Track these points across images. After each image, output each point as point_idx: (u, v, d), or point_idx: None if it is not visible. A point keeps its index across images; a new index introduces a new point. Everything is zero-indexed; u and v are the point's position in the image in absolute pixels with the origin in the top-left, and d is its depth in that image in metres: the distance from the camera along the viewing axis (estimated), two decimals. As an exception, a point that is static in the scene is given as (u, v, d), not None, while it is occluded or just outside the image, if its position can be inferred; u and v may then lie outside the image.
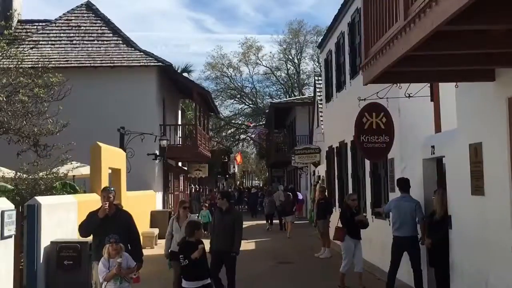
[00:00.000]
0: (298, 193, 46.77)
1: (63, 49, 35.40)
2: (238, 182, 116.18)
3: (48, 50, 34.62)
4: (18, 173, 20.21)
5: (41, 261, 15.39)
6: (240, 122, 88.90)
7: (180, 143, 42.40)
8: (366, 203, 21.72)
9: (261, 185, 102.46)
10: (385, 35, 9.13)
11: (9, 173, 20.65)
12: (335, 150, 28.38)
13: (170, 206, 38.54)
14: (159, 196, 36.00)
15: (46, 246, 15.65)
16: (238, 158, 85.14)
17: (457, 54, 9.33)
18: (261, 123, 78.79)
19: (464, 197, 12.32)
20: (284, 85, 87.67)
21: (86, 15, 38.24)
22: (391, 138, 16.49)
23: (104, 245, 10.86)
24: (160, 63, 34.79)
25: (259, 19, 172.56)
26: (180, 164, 45.40)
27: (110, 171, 22.53)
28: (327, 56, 30.69)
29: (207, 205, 34.76)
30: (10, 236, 13.59)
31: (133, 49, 35.74)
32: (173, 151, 37.34)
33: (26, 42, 34.32)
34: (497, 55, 9.45)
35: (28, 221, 15.23)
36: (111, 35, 36.77)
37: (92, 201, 17.05)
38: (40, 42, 35.53)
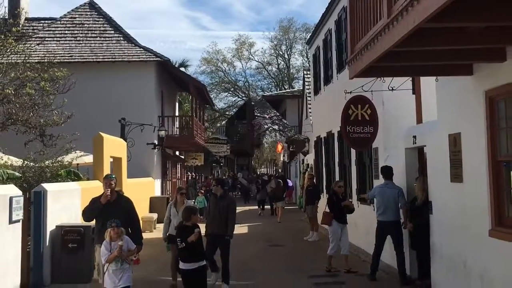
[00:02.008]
0: (288, 180, 46.92)
1: (67, 45, 35.30)
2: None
3: (53, 46, 34.62)
4: (26, 162, 20.19)
5: (47, 244, 15.39)
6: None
7: (178, 133, 42.28)
8: (352, 190, 21.71)
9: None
10: (370, 32, 9.11)
11: (17, 161, 20.60)
12: (323, 140, 28.35)
13: (168, 193, 38.52)
14: (157, 183, 35.99)
15: (52, 230, 15.65)
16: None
17: (437, 49, 9.32)
18: (253, 114, 78.80)
19: (444, 184, 12.33)
20: (275, 79, 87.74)
21: (89, 13, 38.13)
22: (375, 128, 16.50)
23: (106, 229, 10.87)
24: (158, 58, 34.70)
25: (251, 17, 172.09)
26: (177, 153, 45.34)
27: (111, 159, 22.51)
28: (315, 52, 30.64)
29: (202, 191, 34.78)
30: (18, 221, 13.58)
31: (133, 45, 35.66)
32: (170, 140, 37.37)
33: (33, 39, 34.25)
34: (475, 51, 9.44)
35: (35, 207, 15.22)
36: (112, 32, 36.68)
37: (95, 188, 17.02)
38: (46, 39, 35.44)
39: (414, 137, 14.73)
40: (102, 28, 36.94)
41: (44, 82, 23.79)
